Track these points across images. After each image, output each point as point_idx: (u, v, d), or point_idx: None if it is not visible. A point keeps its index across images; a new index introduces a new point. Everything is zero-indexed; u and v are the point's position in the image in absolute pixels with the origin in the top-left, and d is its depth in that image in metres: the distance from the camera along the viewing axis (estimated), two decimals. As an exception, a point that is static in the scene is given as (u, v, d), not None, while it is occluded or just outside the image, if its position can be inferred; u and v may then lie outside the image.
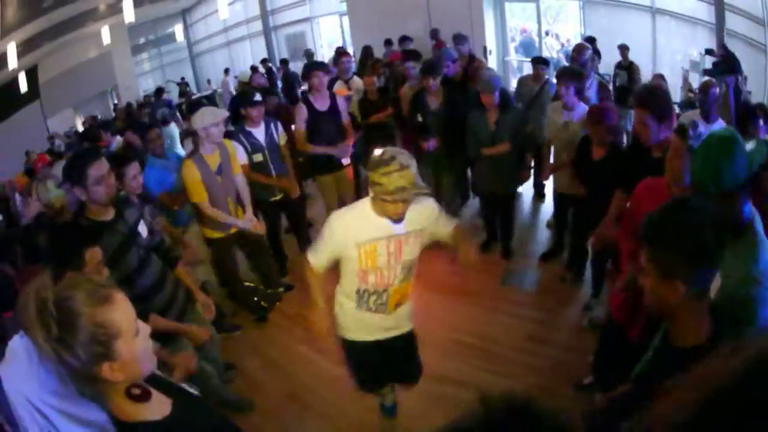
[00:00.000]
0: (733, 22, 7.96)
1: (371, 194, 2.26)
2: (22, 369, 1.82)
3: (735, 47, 7.80)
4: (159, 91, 13.18)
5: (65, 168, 2.81)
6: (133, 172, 3.29)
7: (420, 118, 4.82)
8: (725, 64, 5.21)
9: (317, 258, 2.47)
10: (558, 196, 4.52)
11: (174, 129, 7.01)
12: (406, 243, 2.37)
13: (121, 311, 1.20)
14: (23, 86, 13.75)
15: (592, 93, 4.58)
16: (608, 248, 3.02)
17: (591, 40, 7.92)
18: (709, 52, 8.18)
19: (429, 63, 4.95)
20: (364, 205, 2.36)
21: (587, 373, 3.12)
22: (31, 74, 14.04)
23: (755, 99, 6.48)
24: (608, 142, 3.54)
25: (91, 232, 2.34)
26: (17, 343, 1.86)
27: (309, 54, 12.40)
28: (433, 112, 4.74)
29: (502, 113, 4.29)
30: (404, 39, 8.09)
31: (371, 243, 2.32)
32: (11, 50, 12.21)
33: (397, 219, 2.29)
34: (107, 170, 2.65)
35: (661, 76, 7.21)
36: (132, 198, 3.28)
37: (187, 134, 7.08)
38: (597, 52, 6.96)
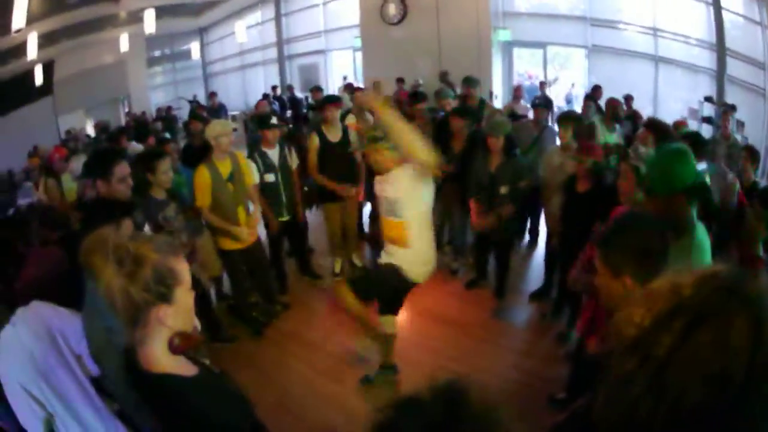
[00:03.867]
0: (733, 67, 8.27)
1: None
2: (17, 358, 1.91)
3: (734, 93, 8.11)
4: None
5: (90, 162, 3.08)
6: (165, 167, 3.54)
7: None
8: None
9: None
10: (549, 237, 4.72)
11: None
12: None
13: (185, 266, 1.38)
14: (38, 79, 13.75)
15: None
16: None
17: (596, 88, 8.28)
18: (708, 99, 8.43)
19: (463, 106, 5.10)
20: None
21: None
22: (48, 69, 14.04)
23: (752, 142, 6.55)
24: (593, 176, 3.65)
25: (126, 205, 2.64)
26: (9, 334, 1.96)
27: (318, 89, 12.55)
28: (455, 155, 4.87)
29: (504, 159, 4.39)
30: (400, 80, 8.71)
31: None
32: (32, 40, 12.22)
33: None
34: (128, 172, 2.98)
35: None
36: (158, 193, 3.57)
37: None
38: (599, 109, 7.24)
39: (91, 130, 15.16)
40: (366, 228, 6.17)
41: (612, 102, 5.70)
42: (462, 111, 4.95)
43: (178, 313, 1.35)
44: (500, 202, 4.42)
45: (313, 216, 6.05)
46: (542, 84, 9.69)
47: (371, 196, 4.98)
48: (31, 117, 13.65)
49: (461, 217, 5.25)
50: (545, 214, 4.72)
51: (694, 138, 3.99)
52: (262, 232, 4.73)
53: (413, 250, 3.29)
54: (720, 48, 8.38)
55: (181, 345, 1.38)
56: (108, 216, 2.33)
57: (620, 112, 5.18)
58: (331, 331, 4.54)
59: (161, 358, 1.36)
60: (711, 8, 8.47)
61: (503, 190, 4.38)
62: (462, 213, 5.21)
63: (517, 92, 8.27)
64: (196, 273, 3.67)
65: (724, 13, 8.29)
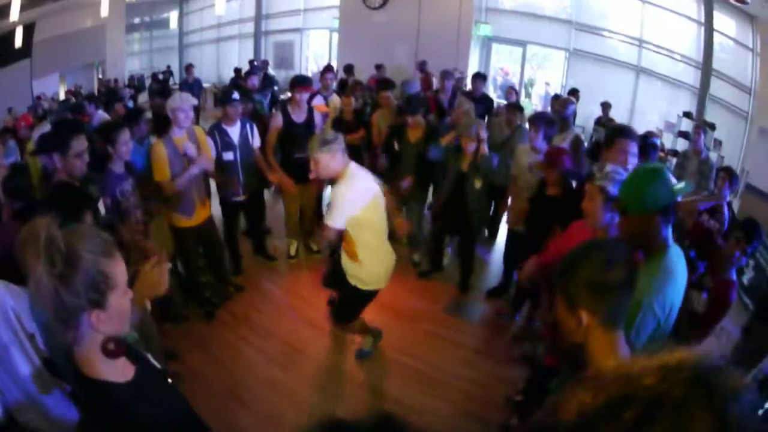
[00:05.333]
0: (717, 87, 8.29)
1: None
2: None
3: (715, 111, 8.17)
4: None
5: (48, 135, 2.96)
6: (125, 137, 3.40)
7: (397, 148, 4.92)
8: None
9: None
10: (509, 234, 4.73)
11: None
12: None
13: (120, 268, 1.29)
14: (18, 41, 13.37)
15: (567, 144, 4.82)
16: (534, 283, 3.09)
17: (574, 91, 8.24)
18: (686, 114, 8.49)
19: (408, 101, 4.99)
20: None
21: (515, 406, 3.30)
22: (28, 31, 13.66)
23: (728, 164, 6.71)
24: (562, 183, 3.66)
25: (90, 198, 2.59)
26: None
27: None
28: (411, 145, 4.83)
29: (476, 158, 4.36)
30: (379, 67, 8.42)
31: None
32: (15, 2, 11.78)
33: None
34: (86, 147, 2.88)
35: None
36: (117, 166, 3.44)
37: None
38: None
39: (63, 96, 14.70)
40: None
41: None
42: (409, 106, 4.85)
43: (112, 318, 1.28)
44: (473, 198, 4.43)
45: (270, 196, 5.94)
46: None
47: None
48: (7, 80, 13.30)
49: (417, 209, 5.25)
50: (509, 211, 4.67)
51: (643, 139, 3.96)
52: (216, 211, 4.63)
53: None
54: (705, 67, 8.39)
55: (115, 350, 1.32)
56: (71, 206, 2.29)
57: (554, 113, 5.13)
58: (283, 316, 4.52)
59: (95, 362, 1.30)
60: (702, 28, 8.49)
61: (477, 184, 4.39)
62: (418, 204, 5.23)
63: (509, 94, 7.86)
64: (152, 249, 3.57)
65: (715, 35, 8.31)
